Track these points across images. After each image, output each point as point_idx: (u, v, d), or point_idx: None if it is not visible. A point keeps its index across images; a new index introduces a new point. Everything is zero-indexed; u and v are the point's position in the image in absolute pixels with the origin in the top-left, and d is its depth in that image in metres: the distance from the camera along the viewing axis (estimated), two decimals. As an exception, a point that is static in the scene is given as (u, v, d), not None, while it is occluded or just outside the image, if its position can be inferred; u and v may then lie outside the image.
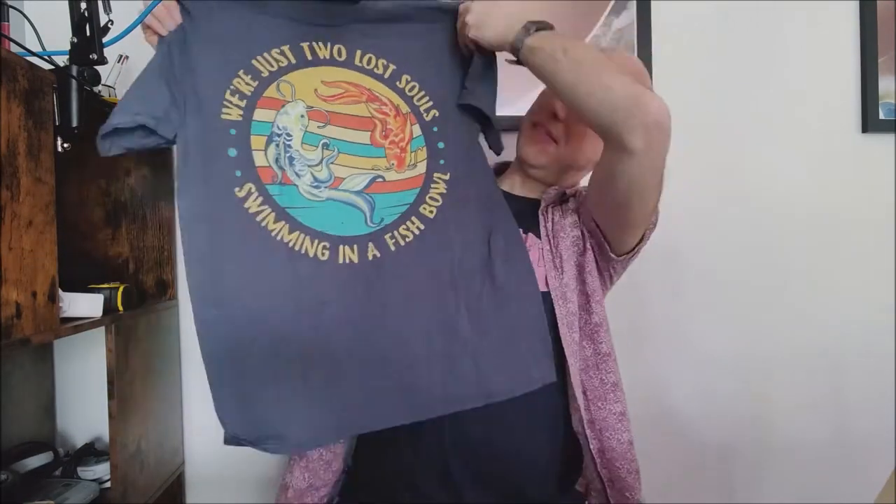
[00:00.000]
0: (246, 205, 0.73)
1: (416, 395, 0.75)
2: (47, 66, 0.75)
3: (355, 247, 0.77)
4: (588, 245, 0.85)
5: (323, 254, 0.76)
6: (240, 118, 0.75)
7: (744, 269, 1.22)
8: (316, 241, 0.76)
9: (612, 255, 0.83)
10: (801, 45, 1.23)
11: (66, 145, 0.76)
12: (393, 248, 0.79)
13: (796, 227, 1.24)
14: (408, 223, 0.80)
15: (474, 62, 0.83)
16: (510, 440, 0.81)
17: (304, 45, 0.79)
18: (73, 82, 0.75)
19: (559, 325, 0.82)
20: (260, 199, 0.74)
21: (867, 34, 1.23)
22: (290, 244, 0.74)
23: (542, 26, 0.74)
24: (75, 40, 0.77)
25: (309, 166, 0.77)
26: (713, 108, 1.23)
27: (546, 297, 0.82)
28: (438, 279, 0.79)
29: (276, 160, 0.76)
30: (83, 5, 0.76)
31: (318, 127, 0.78)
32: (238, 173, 0.74)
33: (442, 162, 0.84)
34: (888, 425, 1.25)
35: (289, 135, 0.77)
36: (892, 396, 1.25)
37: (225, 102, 0.74)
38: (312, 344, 0.73)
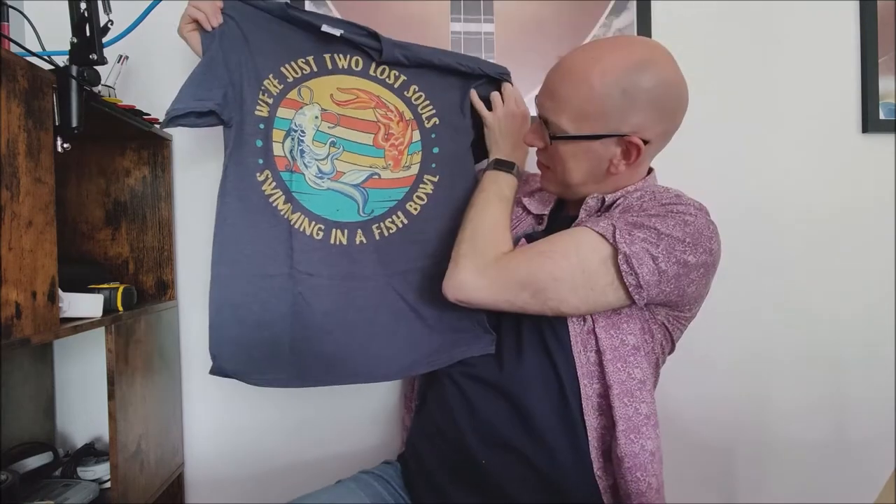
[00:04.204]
0: (263, 187, 0.89)
1: (374, 361, 0.88)
2: (47, 66, 0.75)
3: (346, 231, 0.91)
4: None
5: (318, 234, 0.90)
6: (267, 115, 0.89)
7: (743, 270, 1.22)
8: (313, 223, 0.90)
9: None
10: (801, 45, 1.23)
11: (66, 145, 0.76)
12: (377, 236, 0.92)
13: (796, 227, 1.24)
14: (393, 217, 0.93)
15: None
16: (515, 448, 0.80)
17: (327, 55, 0.92)
18: (73, 82, 0.75)
19: (572, 343, 0.79)
20: (274, 183, 0.89)
21: (867, 34, 1.23)
22: (292, 222, 0.89)
23: (502, 167, 0.90)
24: (75, 40, 0.77)
25: (316, 160, 0.91)
26: (712, 109, 1.22)
27: None
28: (410, 266, 0.91)
29: (290, 151, 0.90)
30: (83, 5, 0.77)
31: (329, 127, 0.92)
32: (260, 161, 0.89)
33: (433, 165, 0.95)
34: (888, 426, 1.25)
35: (303, 131, 0.91)
36: (892, 397, 1.25)
37: (258, 101, 0.89)
38: (298, 305, 0.88)
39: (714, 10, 1.21)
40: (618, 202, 0.82)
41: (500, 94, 0.95)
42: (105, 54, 0.79)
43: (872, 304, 1.25)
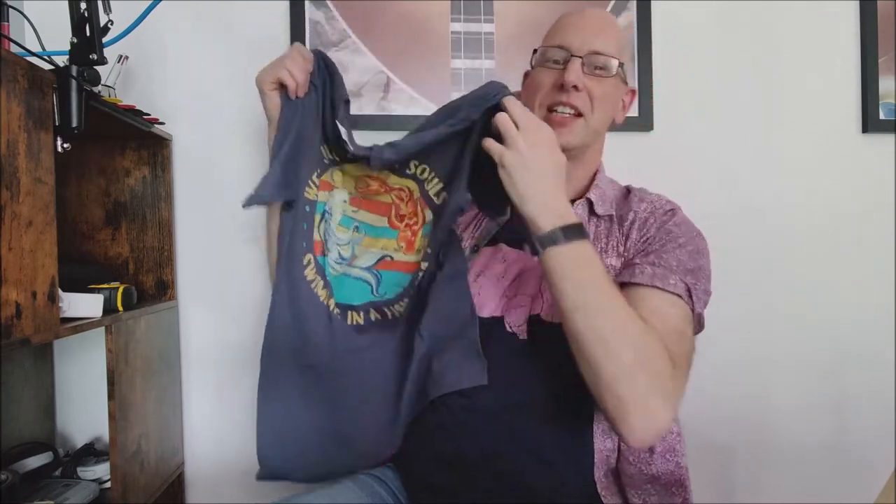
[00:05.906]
0: (306, 272, 0.84)
1: (383, 432, 0.85)
2: (47, 66, 0.75)
3: (361, 312, 0.88)
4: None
5: (343, 317, 0.87)
6: (314, 197, 0.85)
7: (743, 270, 1.22)
8: (336, 308, 0.87)
9: None
10: (801, 46, 1.23)
11: (66, 145, 0.76)
12: (390, 316, 0.88)
13: (796, 227, 1.24)
14: (402, 301, 0.88)
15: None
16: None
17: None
18: (73, 82, 0.75)
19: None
20: (314, 269, 0.85)
21: (867, 34, 1.23)
22: (329, 308, 0.85)
23: (574, 235, 0.65)
24: (75, 40, 0.77)
25: (337, 245, 0.88)
26: (713, 109, 1.23)
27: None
28: (412, 335, 0.85)
29: (324, 234, 0.87)
30: (83, 5, 0.77)
31: (353, 211, 0.88)
32: (304, 244, 0.84)
33: (429, 251, 0.88)
34: (888, 426, 1.25)
35: (331, 215, 0.87)
36: (891, 398, 1.25)
37: (309, 182, 0.83)
38: (337, 387, 0.84)
39: (714, 11, 1.21)
40: (625, 217, 0.82)
41: (507, 112, 0.69)
42: (105, 54, 0.79)
43: (872, 305, 1.25)
